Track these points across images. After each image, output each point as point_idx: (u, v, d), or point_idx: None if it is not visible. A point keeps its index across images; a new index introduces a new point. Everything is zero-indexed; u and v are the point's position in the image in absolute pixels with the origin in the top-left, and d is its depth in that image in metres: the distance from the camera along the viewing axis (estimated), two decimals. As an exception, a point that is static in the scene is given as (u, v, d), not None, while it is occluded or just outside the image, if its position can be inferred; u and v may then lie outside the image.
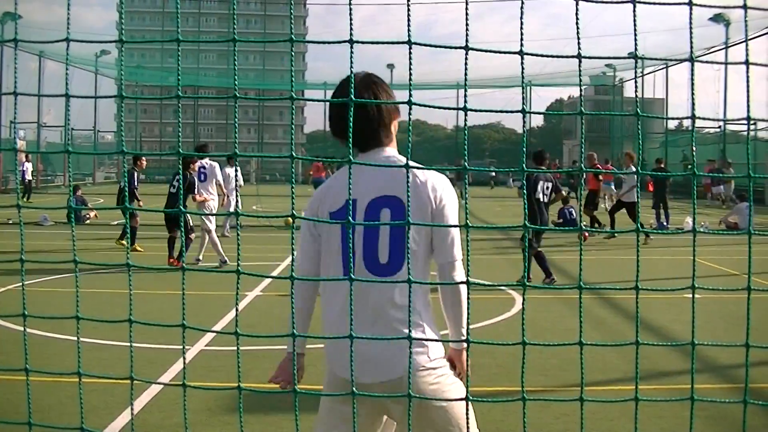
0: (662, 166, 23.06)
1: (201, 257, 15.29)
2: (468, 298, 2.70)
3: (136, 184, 17.14)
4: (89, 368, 4.54)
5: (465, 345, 3.28)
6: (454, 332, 3.28)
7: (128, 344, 2.38)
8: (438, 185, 3.20)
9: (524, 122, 2.31)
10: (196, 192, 15.05)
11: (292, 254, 2.36)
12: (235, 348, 2.32)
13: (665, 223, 22.02)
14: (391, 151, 3.32)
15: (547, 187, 12.47)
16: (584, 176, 2.88)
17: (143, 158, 18.17)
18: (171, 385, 6.61)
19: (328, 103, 3.08)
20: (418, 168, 2.74)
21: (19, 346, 7.92)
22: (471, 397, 2.46)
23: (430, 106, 2.45)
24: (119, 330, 7.59)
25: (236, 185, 3.57)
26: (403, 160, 3.18)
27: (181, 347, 2.34)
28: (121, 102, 2.54)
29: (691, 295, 2.28)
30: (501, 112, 2.31)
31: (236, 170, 15.41)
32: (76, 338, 2.35)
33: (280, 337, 2.45)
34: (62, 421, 5.70)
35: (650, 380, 7.10)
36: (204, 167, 15.92)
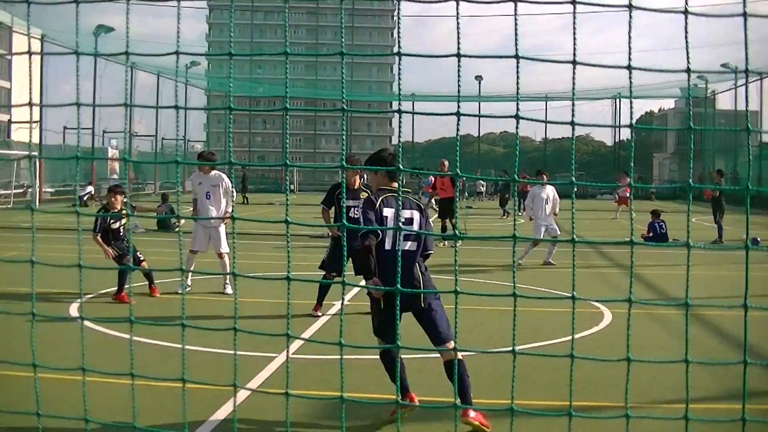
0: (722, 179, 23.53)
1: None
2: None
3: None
4: (167, 373, 4.53)
5: None
6: None
7: (213, 350, 2.40)
8: None
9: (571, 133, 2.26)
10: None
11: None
12: (318, 357, 2.32)
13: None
14: None
15: None
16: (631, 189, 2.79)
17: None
18: (273, 393, 6.57)
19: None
20: None
21: (106, 349, 8.09)
22: (573, 413, 2.42)
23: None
24: (204, 337, 7.60)
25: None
26: None
27: (274, 354, 2.34)
28: (229, 113, 2.58)
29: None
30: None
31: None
32: (180, 345, 2.38)
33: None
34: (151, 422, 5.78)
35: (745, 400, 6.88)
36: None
